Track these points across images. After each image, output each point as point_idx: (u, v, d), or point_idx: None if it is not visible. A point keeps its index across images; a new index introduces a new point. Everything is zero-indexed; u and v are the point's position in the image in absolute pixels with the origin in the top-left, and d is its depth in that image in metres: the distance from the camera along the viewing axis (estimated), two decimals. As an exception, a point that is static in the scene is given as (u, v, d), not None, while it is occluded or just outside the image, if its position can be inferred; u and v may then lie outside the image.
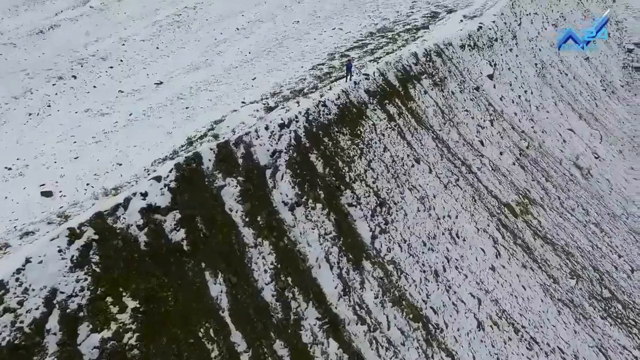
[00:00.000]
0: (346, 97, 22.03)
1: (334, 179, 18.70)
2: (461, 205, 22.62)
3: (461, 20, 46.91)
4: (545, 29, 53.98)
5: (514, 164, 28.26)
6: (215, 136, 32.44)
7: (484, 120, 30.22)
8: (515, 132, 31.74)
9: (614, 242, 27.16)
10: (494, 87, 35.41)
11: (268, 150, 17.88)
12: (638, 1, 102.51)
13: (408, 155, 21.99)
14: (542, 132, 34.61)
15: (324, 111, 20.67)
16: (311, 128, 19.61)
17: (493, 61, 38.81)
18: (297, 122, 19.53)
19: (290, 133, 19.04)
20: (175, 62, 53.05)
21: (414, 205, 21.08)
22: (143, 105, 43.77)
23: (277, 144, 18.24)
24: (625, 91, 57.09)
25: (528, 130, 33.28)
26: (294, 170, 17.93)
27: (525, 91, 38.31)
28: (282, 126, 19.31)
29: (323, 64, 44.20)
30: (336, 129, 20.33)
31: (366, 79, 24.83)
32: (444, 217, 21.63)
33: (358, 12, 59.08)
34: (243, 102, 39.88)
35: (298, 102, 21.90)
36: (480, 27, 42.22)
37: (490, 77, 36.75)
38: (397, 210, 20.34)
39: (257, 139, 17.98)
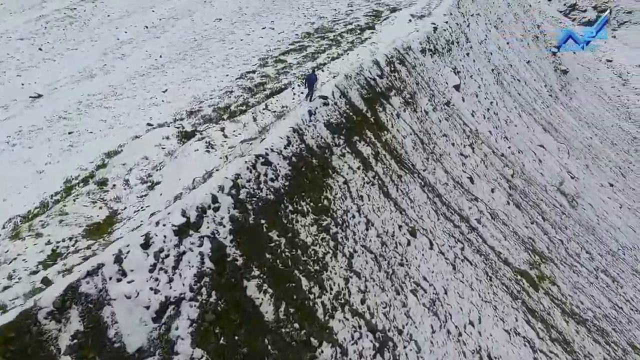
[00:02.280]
0: (300, 140, 12.64)
1: (296, 327, 9.08)
2: (479, 295, 14.23)
3: (410, 20, 39.16)
4: (490, 30, 47.74)
5: (508, 203, 20.56)
6: (101, 183, 21.28)
7: (464, 146, 22.34)
8: (496, 156, 24.22)
9: (628, 294, 20.37)
10: (463, 100, 27.87)
11: (148, 307, 7.77)
12: (550, 7, 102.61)
13: (400, 227, 13.24)
14: (519, 152, 27.69)
15: (266, 176, 11.02)
16: (244, 220, 9.73)
17: (455, 68, 31.25)
18: (216, 213, 9.50)
19: (201, 245, 9.00)
20: (64, 68, 39.86)
21: (425, 322, 12.36)
22: (9, 128, 30.70)
23: (171, 283, 8.16)
24: (563, 95, 52.98)
25: (506, 152, 26.01)
26: (209, 342, 8.01)
27: (491, 102, 31.28)
28: (182, 232, 9.14)
29: (254, 72, 33.99)
30: (290, 208, 10.74)
31: (324, 103, 15.51)
32: (465, 327, 13.15)
33: (290, 9, 49.27)
34: (149, 125, 28.78)
35: (209, 175, 11.59)
36: (436, 29, 34.53)
37: (457, 87, 29.20)
38: (405, 347, 11.36)
39: (120, 277, 7.75)
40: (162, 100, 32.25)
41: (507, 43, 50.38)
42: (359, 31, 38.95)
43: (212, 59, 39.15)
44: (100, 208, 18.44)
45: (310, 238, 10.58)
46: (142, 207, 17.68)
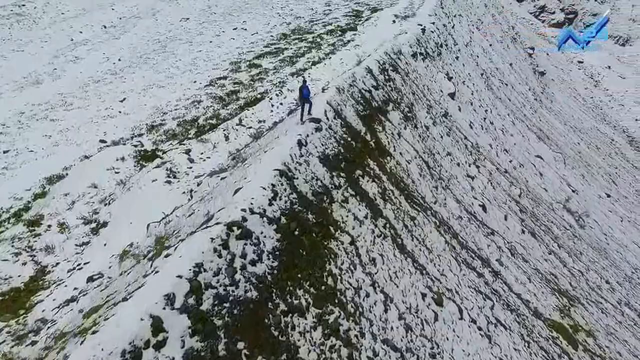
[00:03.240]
0: (289, 187, 8.71)
1: None
2: (522, 375, 10.68)
3: (393, 21, 35.66)
4: (473, 32, 44.81)
5: (522, 231, 17.40)
6: (33, 223, 16.93)
7: (469, 165, 19.11)
8: (501, 174, 21.08)
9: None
10: (459, 109, 24.66)
11: None
12: (521, 9, 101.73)
13: (424, 296, 9.55)
14: (520, 165, 24.74)
15: (244, 258, 6.96)
16: (210, 352, 5.62)
17: (448, 74, 27.87)
18: (160, 354, 5.34)
19: None
20: (6, 73, 34.06)
21: None
22: None
23: None
24: (545, 98, 50.88)
25: (508, 166, 22.95)
26: None
27: (486, 110, 28.25)
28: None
29: (225, 78, 29.63)
30: (282, 307, 6.77)
31: (317, 129, 11.51)
32: None
33: (264, 7, 44.89)
34: (102, 142, 24.10)
35: (155, 271, 6.99)
36: (424, 30, 31.08)
37: (452, 96, 25.89)
38: None
39: None
40: (119, 112, 27.43)
41: (490, 45, 47.73)
42: (339, 32, 35.11)
43: (177, 62, 34.41)
44: (25, 264, 13.87)
45: (314, 354, 6.70)
46: (78, 265, 13.25)
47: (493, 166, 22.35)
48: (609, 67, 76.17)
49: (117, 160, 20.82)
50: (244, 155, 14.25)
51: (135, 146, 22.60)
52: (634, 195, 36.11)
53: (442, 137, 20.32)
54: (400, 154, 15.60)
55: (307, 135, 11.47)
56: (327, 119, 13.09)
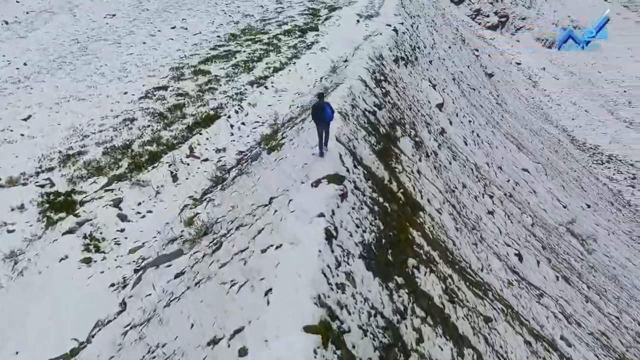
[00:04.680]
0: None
1: None
2: None
3: (358, 21, 31.26)
4: (432, 34, 41.74)
5: (557, 278, 13.84)
6: None
7: (483, 196, 15.10)
8: (507, 199, 17.31)
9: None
10: (450, 123, 20.76)
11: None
12: (459, 11, 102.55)
13: None
14: (516, 184, 21.24)
15: None
16: None
17: (430, 81, 23.92)
18: None
19: None
20: None
21: None
22: None
23: None
24: (501, 100, 49.45)
25: (507, 187, 19.24)
26: None
27: (470, 121, 24.64)
28: None
29: (165, 88, 23.34)
30: None
31: (342, 195, 6.42)
32: None
33: (206, 4, 38.40)
34: (-8, 182, 16.87)
35: None
36: (397, 31, 26.94)
37: (440, 107, 21.88)
38: None
39: None
40: (21, 135, 20.23)
41: (449, 47, 45.04)
42: (299, 33, 29.92)
43: (102, 68, 27.27)
44: None
45: None
46: None
47: (499, 191, 18.60)
48: (544, 68, 78.03)
49: (12, 210, 14.27)
50: (209, 225, 8.77)
51: (42, 187, 15.97)
52: (603, 201, 35.01)
53: (450, 163, 16.06)
54: (429, 201, 11.01)
55: (333, 213, 6.47)
56: (347, 169, 8.16)
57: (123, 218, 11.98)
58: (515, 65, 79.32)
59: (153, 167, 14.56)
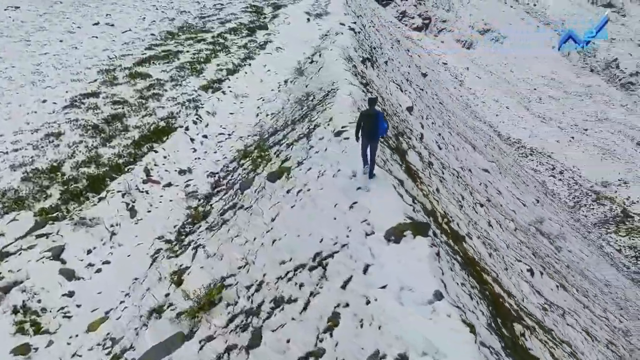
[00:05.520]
0: None
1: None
2: None
3: (308, 20, 29.18)
4: (375, 34, 41.30)
5: (557, 287, 13.30)
6: None
7: (476, 205, 13.91)
8: (493, 208, 16.81)
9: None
10: (422, 126, 19.59)
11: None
12: (387, 13, 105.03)
13: None
14: (485, 187, 20.89)
15: None
16: None
17: (395, 83, 22.84)
18: None
19: None
20: None
21: None
22: None
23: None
24: (439, 100, 50.69)
25: (481, 190, 18.89)
26: None
27: (433, 123, 23.97)
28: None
29: (96, 95, 19.68)
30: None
31: (432, 245, 4.41)
32: None
33: (133, -2, 33.69)
34: None
35: None
36: (353, 30, 25.49)
37: (410, 110, 20.76)
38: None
39: None
40: None
41: (392, 47, 44.93)
42: (247, 32, 27.14)
43: (9, 71, 22.22)
44: None
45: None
46: None
47: (483, 198, 17.89)
48: (468, 68, 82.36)
49: None
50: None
51: None
52: (540, 193, 36.90)
53: (443, 172, 14.83)
54: (458, 225, 9.41)
55: (445, 286, 4.41)
56: (412, 206, 6.19)
57: (69, 275, 8.80)
58: (442, 65, 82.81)
59: (100, 199, 11.30)
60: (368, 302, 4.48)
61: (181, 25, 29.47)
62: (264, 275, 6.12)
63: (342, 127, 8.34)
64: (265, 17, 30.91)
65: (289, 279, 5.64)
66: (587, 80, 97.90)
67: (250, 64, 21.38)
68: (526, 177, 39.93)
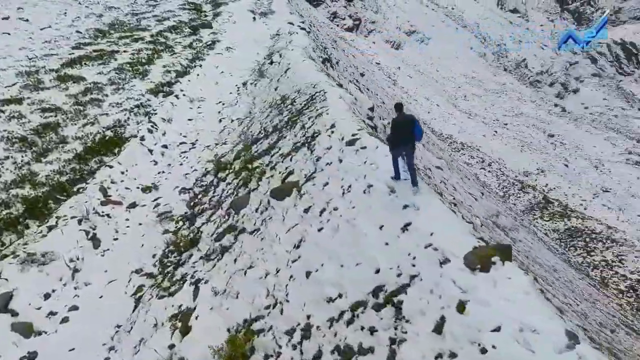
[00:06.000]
0: None
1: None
2: None
3: (254, 18, 27.85)
4: (316, 33, 41.05)
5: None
6: None
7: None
8: (459, 206, 17.42)
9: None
10: (385, 128, 19.47)
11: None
12: (319, 14, 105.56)
13: None
14: (444, 183, 21.54)
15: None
16: None
17: (355, 84, 22.60)
18: None
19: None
20: None
21: None
22: None
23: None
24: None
25: (444, 190, 19.58)
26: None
27: (389, 123, 24.04)
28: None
29: (18, 101, 17.25)
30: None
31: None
32: None
33: (49, -9, 29.71)
34: None
35: None
36: (304, 30, 24.82)
37: (372, 111, 20.50)
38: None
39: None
40: None
41: (333, 47, 44.90)
42: (189, 30, 25.12)
43: None
44: None
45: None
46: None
47: (449, 195, 18.18)
48: (399, 67, 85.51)
49: None
50: None
51: None
52: (482, 188, 39.23)
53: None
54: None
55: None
56: (473, 224, 5.62)
57: (26, 331, 7.01)
58: (376, 65, 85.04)
59: (50, 228, 9.39)
60: (484, 351, 3.71)
61: (111, 22, 26.53)
62: (308, 317, 5.20)
63: (353, 135, 7.60)
64: (206, 15, 29.03)
65: (349, 322, 4.78)
66: (502, 79, 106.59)
67: (201, 65, 19.73)
68: (466, 171, 42.34)
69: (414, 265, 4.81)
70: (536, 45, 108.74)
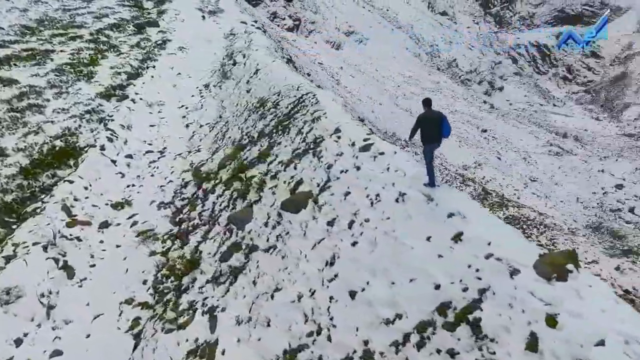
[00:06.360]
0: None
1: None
2: None
3: (203, 17, 26.49)
4: (263, 33, 40.57)
5: None
6: None
7: None
8: None
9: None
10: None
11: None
12: (260, 13, 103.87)
13: None
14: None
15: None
16: None
17: (316, 84, 22.31)
18: None
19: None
20: None
21: None
22: None
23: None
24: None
25: None
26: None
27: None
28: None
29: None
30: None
31: None
32: None
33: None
34: None
35: None
36: (260, 29, 24.11)
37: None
38: None
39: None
40: None
41: (282, 48, 44.25)
42: (133, 29, 23.16)
43: None
44: None
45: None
46: None
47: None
48: (342, 67, 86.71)
49: None
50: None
51: None
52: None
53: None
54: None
55: None
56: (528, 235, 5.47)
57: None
58: (319, 65, 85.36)
59: (8, 258, 8.00)
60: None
61: (39, 18, 23.73)
62: (366, 342, 4.76)
63: (365, 141, 7.28)
64: (149, 13, 27.05)
65: (420, 345, 4.40)
66: (436, 78, 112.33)
67: (154, 66, 18.29)
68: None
69: (479, 279, 4.59)
70: (464, 46, 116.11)
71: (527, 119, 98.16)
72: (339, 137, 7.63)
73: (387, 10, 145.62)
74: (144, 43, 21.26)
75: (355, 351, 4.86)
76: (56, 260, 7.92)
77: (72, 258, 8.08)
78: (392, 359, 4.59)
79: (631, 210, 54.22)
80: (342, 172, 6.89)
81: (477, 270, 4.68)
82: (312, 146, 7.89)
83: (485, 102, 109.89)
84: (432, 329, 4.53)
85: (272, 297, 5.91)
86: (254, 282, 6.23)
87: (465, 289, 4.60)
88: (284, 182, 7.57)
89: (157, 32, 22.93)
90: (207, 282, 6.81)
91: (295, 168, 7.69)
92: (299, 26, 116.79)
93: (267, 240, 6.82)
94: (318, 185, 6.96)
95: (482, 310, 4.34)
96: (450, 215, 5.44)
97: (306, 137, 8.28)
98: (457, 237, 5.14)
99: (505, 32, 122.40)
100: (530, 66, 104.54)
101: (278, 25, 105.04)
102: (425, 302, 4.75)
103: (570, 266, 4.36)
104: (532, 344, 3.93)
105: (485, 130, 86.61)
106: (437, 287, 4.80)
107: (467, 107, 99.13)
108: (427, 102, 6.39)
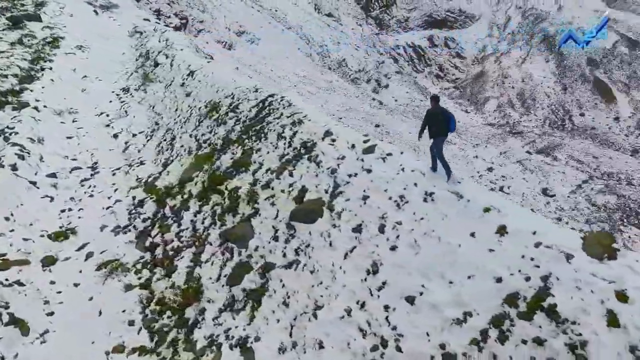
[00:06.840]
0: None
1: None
2: None
3: (96, 12, 23.37)
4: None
5: None
6: None
7: None
8: None
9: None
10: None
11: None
12: (140, 10, 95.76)
13: None
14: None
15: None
16: None
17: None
18: None
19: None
20: None
21: None
22: None
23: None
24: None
25: None
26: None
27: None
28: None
29: None
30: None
31: None
32: None
33: None
34: None
35: None
36: (169, 27, 22.26)
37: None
38: None
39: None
40: None
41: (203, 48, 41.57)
42: (7, 22, 19.21)
43: None
44: None
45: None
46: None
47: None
48: (237, 68, 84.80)
49: None
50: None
51: None
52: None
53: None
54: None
55: None
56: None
57: None
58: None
59: None
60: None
61: None
62: (442, 346, 4.68)
63: (365, 142, 7.15)
64: (23, 4, 22.83)
65: (502, 340, 4.48)
66: (329, 77, 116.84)
67: (50, 68, 15.53)
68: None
69: (537, 267, 4.93)
70: (351, 47, 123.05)
71: (411, 113, 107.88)
72: (333, 140, 7.44)
73: (276, 10, 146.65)
74: (29, 40, 17.85)
75: (433, 357, 4.83)
76: (0, 317, 6.20)
77: (19, 308, 6.41)
78: (477, 357, 4.69)
79: (501, 189, 63.21)
80: (350, 176, 6.74)
81: (532, 259, 5.04)
82: (302, 151, 7.54)
83: (374, 99, 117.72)
84: (509, 322, 4.74)
85: (314, 316, 5.51)
86: (286, 304, 5.73)
87: (527, 279, 4.92)
88: (282, 191, 7.11)
89: (41, 27, 19.44)
90: (221, 311, 6.02)
91: (291, 175, 7.27)
92: (187, 25, 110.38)
93: (284, 255, 6.32)
94: (326, 192, 6.70)
95: (553, 296, 4.68)
96: (487, 210, 5.74)
97: (291, 141, 7.89)
98: (502, 231, 5.46)
99: (385, 33, 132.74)
100: (409, 65, 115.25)
101: (163, 22, 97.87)
102: (490, 297, 4.95)
103: (616, 245, 4.97)
104: (613, 320, 4.38)
105: (378, 126, 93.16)
106: (499, 280, 5.04)
107: (360, 105, 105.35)
108: (435, 98, 6.66)
